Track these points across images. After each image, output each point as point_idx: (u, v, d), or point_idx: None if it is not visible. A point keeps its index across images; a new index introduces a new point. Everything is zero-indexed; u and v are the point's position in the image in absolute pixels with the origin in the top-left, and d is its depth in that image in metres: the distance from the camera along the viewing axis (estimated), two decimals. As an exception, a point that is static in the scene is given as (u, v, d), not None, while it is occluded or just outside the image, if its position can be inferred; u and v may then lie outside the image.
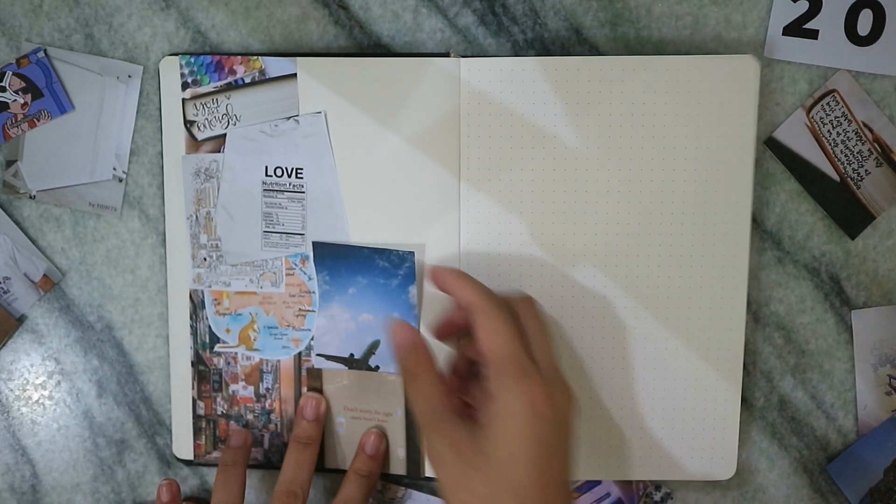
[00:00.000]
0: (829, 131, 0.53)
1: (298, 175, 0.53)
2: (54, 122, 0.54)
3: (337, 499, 0.53)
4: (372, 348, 0.55)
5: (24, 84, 0.53)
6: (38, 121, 0.54)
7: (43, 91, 0.53)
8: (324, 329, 0.55)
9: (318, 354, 0.55)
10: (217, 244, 0.55)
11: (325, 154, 0.53)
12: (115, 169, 0.54)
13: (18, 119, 0.54)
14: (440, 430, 0.44)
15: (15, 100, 0.53)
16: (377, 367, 0.54)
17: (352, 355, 0.55)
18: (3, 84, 0.52)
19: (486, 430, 0.43)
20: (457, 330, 0.50)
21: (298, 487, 0.52)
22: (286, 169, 0.53)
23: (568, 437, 0.44)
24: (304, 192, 0.53)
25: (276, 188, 0.54)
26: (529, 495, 0.42)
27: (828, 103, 0.53)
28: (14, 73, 0.52)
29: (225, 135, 0.54)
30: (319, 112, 0.53)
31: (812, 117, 0.53)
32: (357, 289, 0.54)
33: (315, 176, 0.53)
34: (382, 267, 0.53)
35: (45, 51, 0.52)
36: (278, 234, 0.54)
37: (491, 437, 0.42)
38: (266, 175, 0.54)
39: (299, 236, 0.54)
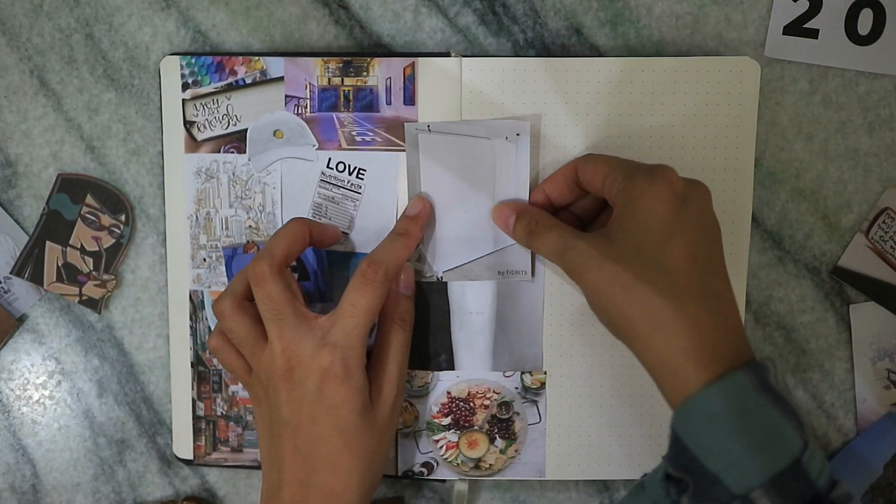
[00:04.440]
0: (892, 247, 0.54)
1: (360, 175, 0.53)
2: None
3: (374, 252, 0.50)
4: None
5: (294, 262, 0.54)
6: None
7: (310, 275, 0.54)
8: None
9: None
10: (217, 244, 0.55)
11: (392, 161, 0.53)
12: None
13: None
14: (576, 244, 0.44)
15: None
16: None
17: None
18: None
19: (621, 222, 0.43)
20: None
21: (383, 259, 0.49)
22: (348, 166, 0.53)
23: (714, 224, 0.44)
24: (360, 193, 0.53)
25: (334, 182, 0.53)
26: (681, 274, 0.41)
27: (884, 221, 0.54)
28: None
29: (225, 135, 0.54)
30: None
31: (872, 238, 0.54)
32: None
33: (376, 181, 0.53)
34: None
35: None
36: None
37: (625, 227, 0.43)
38: (327, 167, 0.53)
39: (343, 234, 0.54)
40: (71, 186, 0.56)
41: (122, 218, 0.55)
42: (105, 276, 0.54)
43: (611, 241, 0.43)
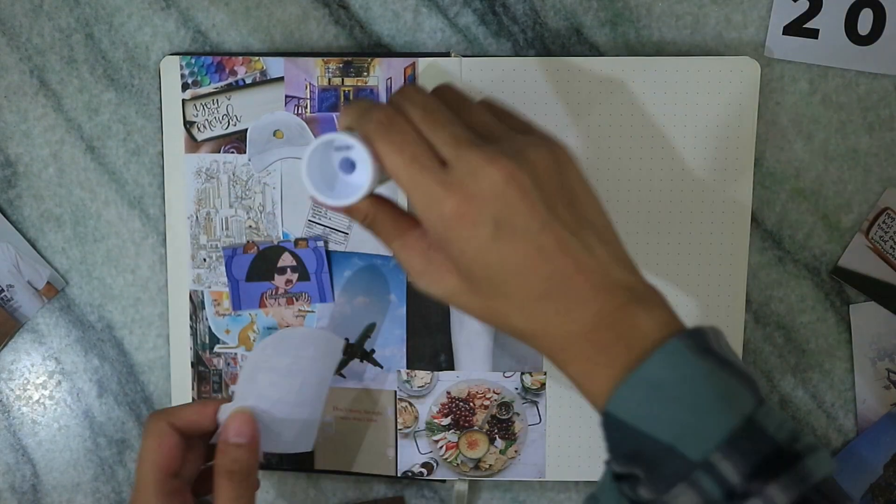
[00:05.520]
0: (892, 247, 0.54)
1: None
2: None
3: None
4: (367, 331, 0.55)
5: (295, 263, 0.54)
6: (296, 301, 0.54)
7: (311, 276, 0.54)
8: (318, 315, 0.55)
9: None
10: (217, 244, 0.55)
11: None
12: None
13: (278, 293, 0.55)
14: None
15: (285, 276, 0.54)
16: (372, 351, 0.55)
17: (347, 340, 0.55)
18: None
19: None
20: None
21: None
22: None
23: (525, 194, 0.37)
24: None
25: None
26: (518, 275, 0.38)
27: (884, 221, 0.54)
28: (289, 251, 0.54)
29: (225, 135, 0.54)
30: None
31: (872, 238, 0.54)
32: (353, 271, 0.54)
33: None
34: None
35: (325, 242, 0.54)
36: (322, 227, 0.54)
37: (433, 242, 0.40)
38: None
39: (342, 234, 0.54)
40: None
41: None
42: None
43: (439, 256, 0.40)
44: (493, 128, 0.40)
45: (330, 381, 0.51)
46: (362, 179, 0.39)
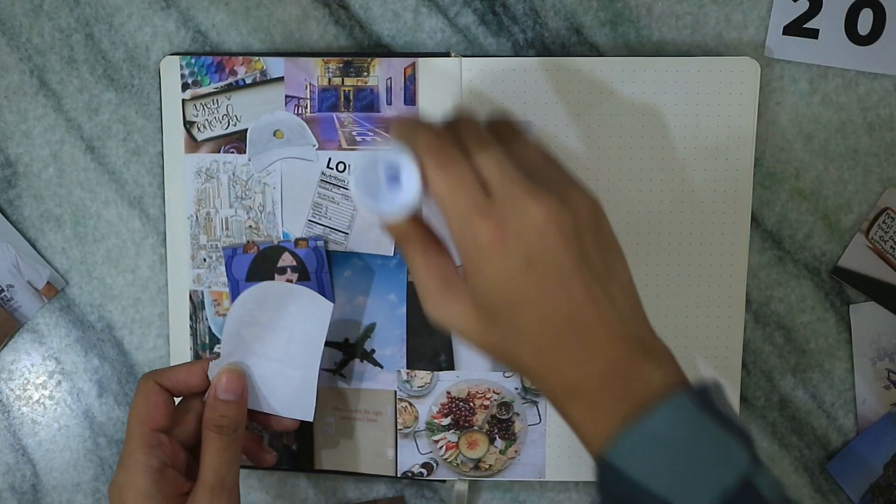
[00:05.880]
0: (892, 247, 0.54)
1: None
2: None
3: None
4: (367, 332, 0.55)
5: (295, 263, 0.54)
6: None
7: (311, 276, 0.54)
8: None
9: None
10: (217, 244, 0.55)
11: None
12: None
13: None
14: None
15: (285, 276, 0.54)
16: (373, 351, 0.55)
17: (347, 340, 0.55)
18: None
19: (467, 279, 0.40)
20: None
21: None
22: (349, 166, 0.53)
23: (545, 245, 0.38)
24: None
25: (334, 182, 0.53)
26: (551, 301, 0.38)
27: (884, 221, 0.54)
28: (289, 251, 0.54)
29: (225, 135, 0.54)
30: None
31: (872, 238, 0.54)
32: (353, 271, 0.54)
33: None
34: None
35: (325, 242, 0.54)
36: (322, 227, 0.54)
37: (467, 279, 0.39)
38: (327, 167, 0.53)
39: (343, 234, 0.54)
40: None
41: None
42: None
43: (467, 294, 0.40)
44: (541, 166, 0.41)
45: (322, 347, 0.51)
46: (408, 197, 0.39)
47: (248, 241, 0.54)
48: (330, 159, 0.53)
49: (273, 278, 0.54)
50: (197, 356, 0.56)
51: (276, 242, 0.54)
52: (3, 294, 0.57)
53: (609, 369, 0.38)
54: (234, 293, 0.55)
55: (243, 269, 0.54)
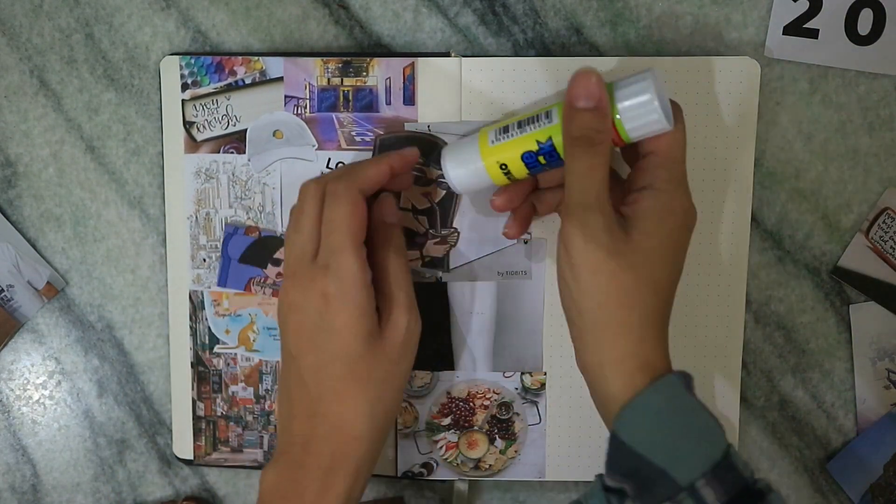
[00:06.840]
0: (892, 247, 0.54)
1: None
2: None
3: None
4: None
5: None
6: None
7: None
8: None
9: None
10: (217, 244, 0.55)
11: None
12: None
13: (266, 282, 0.55)
14: (600, 210, 0.41)
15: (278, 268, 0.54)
16: None
17: None
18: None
19: (638, 223, 0.43)
20: None
21: (348, 174, 0.47)
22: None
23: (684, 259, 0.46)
24: None
25: None
26: (664, 296, 0.43)
27: (884, 221, 0.54)
28: None
29: (225, 135, 0.54)
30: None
31: (872, 238, 0.54)
32: None
33: None
34: None
35: None
36: None
37: (642, 230, 0.42)
38: (327, 167, 0.53)
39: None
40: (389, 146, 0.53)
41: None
42: (444, 231, 0.51)
43: (628, 238, 0.42)
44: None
45: None
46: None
47: (250, 225, 0.54)
48: (329, 159, 0.53)
49: (267, 266, 0.54)
50: (197, 356, 0.56)
51: (279, 234, 0.54)
52: (3, 294, 0.57)
53: (631, 352, 0.42)
54: (224, 269, 0.55)
55: (239, 249, 0.54)
